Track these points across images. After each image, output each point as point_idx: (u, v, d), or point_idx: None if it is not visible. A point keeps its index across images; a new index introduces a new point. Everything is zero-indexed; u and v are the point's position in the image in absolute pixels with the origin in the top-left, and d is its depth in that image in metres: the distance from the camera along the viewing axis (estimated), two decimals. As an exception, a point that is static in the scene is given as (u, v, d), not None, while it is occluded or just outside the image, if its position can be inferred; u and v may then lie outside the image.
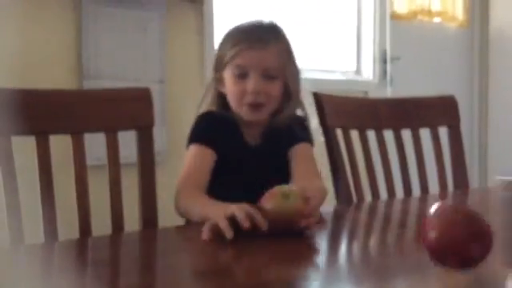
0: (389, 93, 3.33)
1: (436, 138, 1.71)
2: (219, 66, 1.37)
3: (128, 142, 1.33)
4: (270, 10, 2.83)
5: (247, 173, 1.34)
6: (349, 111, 1.63)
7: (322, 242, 1.08)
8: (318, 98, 1.55)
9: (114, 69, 2.38)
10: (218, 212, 1.04)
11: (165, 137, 2.41)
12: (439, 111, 1.76)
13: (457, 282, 0.76)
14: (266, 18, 1.41)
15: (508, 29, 3.76)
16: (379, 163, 1.61)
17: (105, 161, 1.28)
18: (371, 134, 1.62)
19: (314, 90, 1.56)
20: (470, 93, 3.87)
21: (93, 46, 2.34)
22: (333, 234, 1.17)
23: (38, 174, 1.20)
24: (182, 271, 0.90)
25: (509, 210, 1.07)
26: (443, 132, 1.73)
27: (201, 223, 1.07)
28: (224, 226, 0.99)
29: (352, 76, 3.39)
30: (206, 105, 1.41)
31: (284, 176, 1.40)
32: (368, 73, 3.40)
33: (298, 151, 1.38)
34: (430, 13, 3.49)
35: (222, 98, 1.39)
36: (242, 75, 1.32)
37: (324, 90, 1.59)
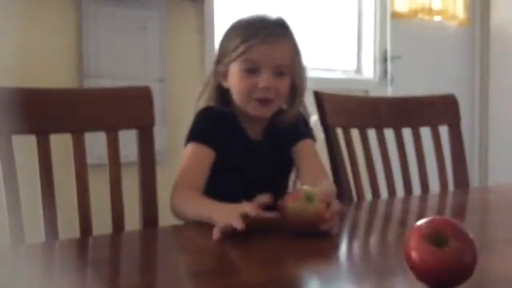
0: (389, 91, 3.33)
1: (436, 137, 1.71)
2: (223, 59, 1.34)
3: (128, 141, 1.33)
4: (271, 8, 2.83)
5: (248, 168, 1.34)
6: (349, 110, 1.63)
7: (321, 241, 1.08)
8: (319, 97, 1.55)
9: (114, 68, 2.38)
10: (227, 212, 1.04)
11: (165, 136, 2.41)
12: (440, 110, 1.76)
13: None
14: (270, 12, 1.39)
15: (509, 27, 3.76)
16: (380, 162, 1.61)
17: (105, 160, 1.28)
18: (372, 133, 1.62)
19: (315, 89, 1.56)
20: (471, 91, 3.87)
21: (93, 45, 2.34)
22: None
23: (38, 173, 1.20)
24: (182, 270, 0.90)
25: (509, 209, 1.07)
26: (444, 131, 1.73)
27: (202, 223, 1.07)
28: (237, 222, 0.99)
29: (352, 75, 3.39)
30: (205, 99, 1.38)
31: (285, 172, 1.40)
32: (368, 71, 3.40)
33: (303, 147, 1.37)
34: (430, 11, 3.49)
35: (221, 92, 1.37)
36: (251, 70, 1.30)
37: (324, 88, 1.59)
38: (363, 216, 1.39)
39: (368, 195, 1.60)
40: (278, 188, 1.38)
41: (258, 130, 1.37)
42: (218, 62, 1.36)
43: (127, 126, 1.32)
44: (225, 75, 1.35)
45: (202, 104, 1.38)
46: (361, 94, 3.18)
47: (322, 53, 3.19)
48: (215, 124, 1.34)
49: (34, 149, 1.21)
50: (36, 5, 2.24)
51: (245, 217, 1.01)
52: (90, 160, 1.28)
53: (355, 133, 1.60)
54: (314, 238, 1.00)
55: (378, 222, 1.33)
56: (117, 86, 1.40)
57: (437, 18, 3.58)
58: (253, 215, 1.01)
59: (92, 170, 1.28)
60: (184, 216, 1.21)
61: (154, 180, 1.32)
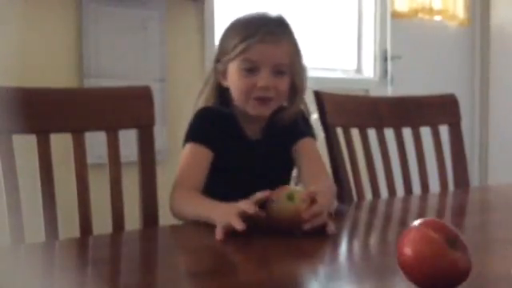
0: (389, 91, 3.33)
1: (436, 137, 1.71)
2: (222, 57, 1.33)
3: (129, 140, 1.33)
4: (271, 8, 2.83)
5: (247, 168, 1.33)
6: (349, 109, 1.63)
7: (321, 241, 1.08)
8: (319, 96, 1.55)
9: (114, 67, 2.38)
10: (226, 211, 1.04)
11: (165, 135, 2.41)
12: (440, 109, 1.76)
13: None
14: (270, 10, 1.39)
15: (509, 27, 3.76)
16: (380, 161, 1.61)
17: (105, 159, 1.28)
18: (372, 133, 1.62)
19: (315, 89, 1.56)
20: (471, 91, 3.87)
21: (93, 45, 2.34)
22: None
23: (38, 173, 1.20)
24: (182, 270, 0.90)
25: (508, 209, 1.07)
26: (444, 130, 1.73)
27: (201, 223, 1.07)
28: (236, 222, 1.00)
29: (353, 74, 3.39)
30: (205, 98, 1.38)
31: (284, 171, 1.39)
32: (369, 71, 3.40)
33: (303, 146, 1.37)
34: (430, 11, 3.49)
35: (221, 91, 1.36)
36: (250, 69, 1.29)
37: (325, 88, 1.59)
38: (363, 216, 1.39)
39: (368, 195, 1.60)
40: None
41: (257, 130, 1.36)
42: (218, 60, 1.35)
43: (127, 126, 1.32)
44: (224, 74, 1.34)
45: (201, 103, 1.37)
46: (361, 93, 3.17)
47: (322, 52, 3.19)
48: (213, 124, 1.33)
49: (34, 148, 1.21)
50: (36, 5, 2.24)
51: (243, 215, 1.01)
52: (90, 160, 1.28)
53: (355, 132, 1.60)
54: (313, 238, 1.00)
55: (378, 222, 1.33)
56: (117, 86, 1.40)
57: (437, 18, 3.58)
58: (251, 213, 1.01)
59: (92, 169, 1.28)
60: (183, 216, 1.21)
61: (154, 180, 1.32)
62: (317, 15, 3.20)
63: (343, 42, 3.36)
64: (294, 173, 1.40)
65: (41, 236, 1.16)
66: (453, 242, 0.70)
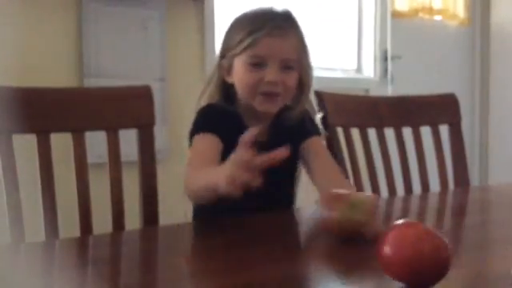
0: (390, 91, 3.33)
1: (437, 136, 1.71)
2: (227, 53, 1.29)
3: (129, 140, 1.33)
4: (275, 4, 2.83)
5: None
6: (350, 109, 1.63)
7: (321, 241, 1.08)
8: (319, 96, 1.55)
9: (114, 67, 2.38)
10: (231, 171, 0.91)
11: (165, 135, 2.41)
12: (440, 109, 1.76)
13: (457, 280, 0.76)
14: (276, 4, 1.36)
15: (509, 26, 3.76)
16: (380, 161, 1.61)
17: (106, 159, 1.28)
18: (372, 132, 1.62)
19: (315, 88, 1.55)
20: (471, 91, 3.87)
21: (93, 45, 2.34)
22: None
23: (38, 172, 1.21)
24: (182, 269, 0.90)
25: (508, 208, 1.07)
26: (444, 130, 1.73)
27: (202, 222, 1.07)
28: (245, 176, 0.88)
29: (353, 74, 3.39)
30: (209, 95, 1.33)
31: (290, 172, 1.37)
32: (369, 71, 3.40)
33: (312, 145, 1.34)
34: (431, 11, 3.49)
35: (225, 88, 1.32)
36: (258, 64, 1.25)
37: (325, 87, 1.58)
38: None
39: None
40: (283, 188, 1.37)
41: (262, 130, 1.31)
42: (222, 56, 1.31)
43: (127, 125, 1.32)
44: (229, 70, 1.30)
45: (203, 102, 1.34)
46: (361, 93, 3.18)
47: (322, 52, 3.19)
48: (219, 119, 1.28)
49: (35, 148, 1.21)
50: (36, 5, 2.24)
51: (252, 168, 0.89)
52: (90, 159, 1.28)
53: (355, 132, 1.60)
54: (314, 238, 1.00)
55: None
56: (117, 85, 1.40)
57: (437, 18, 3.58)
58: (258, 163, 0.89)
59: (92, 169, 1.28)
60: (197, 193, 1.13)
61: (154, 179, 1.32)
62: (317, 15, 3.20)
63: (343, 42, 3.36)
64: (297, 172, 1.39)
65: (41, 235, 1.16)
66: (427, 237, 0.70)
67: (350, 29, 3.38)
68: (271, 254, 0.94)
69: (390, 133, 1.65)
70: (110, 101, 1.32)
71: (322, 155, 1.34)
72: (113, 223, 1.27)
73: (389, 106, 1.70)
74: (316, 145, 1.35)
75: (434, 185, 1.68)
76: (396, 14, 3.39)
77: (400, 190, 1.63)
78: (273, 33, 1.24)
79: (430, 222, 1.22)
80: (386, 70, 3.39)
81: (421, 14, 3.47)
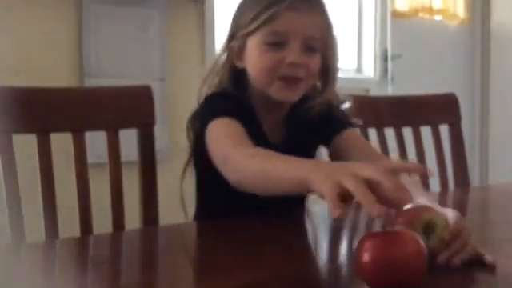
0: (390, 91, 3.33)
1: (437, 136, 1.71)
2: (238, 32, 1.10)
3: (129, 139, 1.33)
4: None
5: None
6: (350, 109, 1.63)
7: (321, 240, 1.08)
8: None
9: (114, 67, 2.38)
10: (334, 172, 0.70)
11: (166, 135, 2.41)
12: (440, 109, 1.76)
13: (457, 280, 0.76)
14: None
15: (509, 26, 3.76)
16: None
17: (106, 159, 1.28)
18: (372, 132, 1.62)
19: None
20: (471, 91, 3.87)
21: (94, 45, 2.34)
22: (332, 233, 1.17)
23: (38, 172, 1.20)
24: (183, 269, 0.90)
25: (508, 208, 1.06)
26: (444, 130, 1.73)
27: (204, 222, 1.07)
28: (332, 205, 0.66)
29: (353, 74, 3.39)
30: (213, 83, 1.15)
31: None
32: (369, 71, 3.40)
33: (350, 139, 1.15)
34: (431, 10, 3.49)
35: (234, 75, 1.14)
36: (277, 43, 1.06)
37: (325, 87, 1.58)
38: (363, 215, 1.39)
39: (368, 194, 1.59)
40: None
41: (276, 125, 1.15)
42: (231, 38, 1.13)
43: (128, 125, 1.32)
44: (240, 53, 1.12)
45: (205, 92, 1.16)
46: (361, 92, 3.17)
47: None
48: (238, 106, 1.07)
49: (35, 148, 1.21)
50: (36, 4, 2.24)
51: (371, 193, 0.65)
52: (90, 159, 1.28)
53: (355, 132, 1.60)
54: (315, 237, 1.00)
55: (377, 221, 1.33)
56: (117, 85, 1.40)
57: (437, 17, 3.58)
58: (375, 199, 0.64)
59: (92, 169, 1.28)
60: (260, 177, 0.87)
61: (154, 179, 1.32)
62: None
63: (343, 42, 3.35)
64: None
65: (41, 235, 1.16)
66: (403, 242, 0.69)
67: (350, 29, 3.38)
68: (273, 254, 0.94)
69: (390, 132, 1.65)
70: (110, 101, 1.32)
71: (365, 149, 1.14)
72: (113, 223, 1.27)
73: (389, 106, 1.70)
74: (354, 138, 1.17)
75: (434, 184, 1.68)
76: (396, 14, 3.39)
77: (400, 189, 1.62)
78: (294, 6, 1.05)
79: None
80: (386, 70, 3.39)
81: (421, 14, 3.47)
